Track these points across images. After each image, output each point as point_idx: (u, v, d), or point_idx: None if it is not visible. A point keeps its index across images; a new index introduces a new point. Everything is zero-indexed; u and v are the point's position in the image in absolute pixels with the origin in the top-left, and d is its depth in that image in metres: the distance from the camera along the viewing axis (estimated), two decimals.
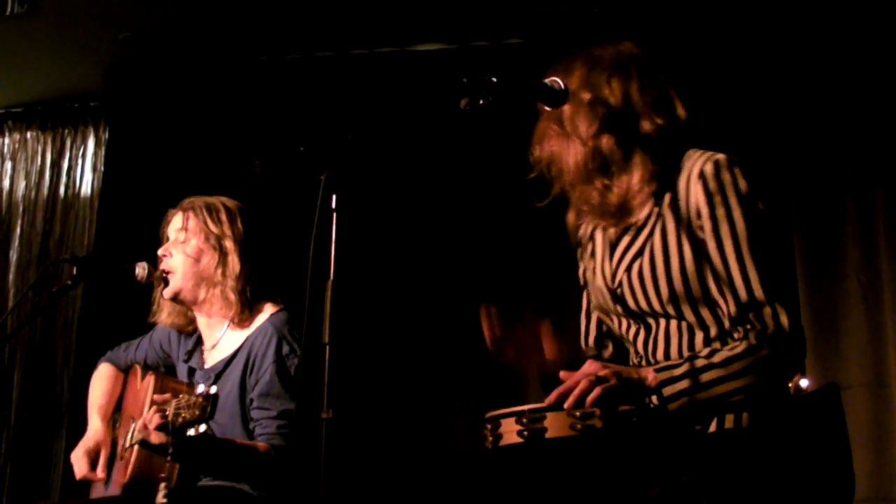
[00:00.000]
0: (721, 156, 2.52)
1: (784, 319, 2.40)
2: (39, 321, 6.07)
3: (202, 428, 3.11)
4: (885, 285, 4.71)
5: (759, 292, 2.41)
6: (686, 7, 5.04)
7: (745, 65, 5.03)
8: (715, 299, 2.49)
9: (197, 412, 3.12)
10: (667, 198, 2.58)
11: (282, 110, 5.64)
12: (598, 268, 2.75)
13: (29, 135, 6.62)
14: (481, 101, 2.47)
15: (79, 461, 3.83)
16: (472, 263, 5.32)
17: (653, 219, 2.61)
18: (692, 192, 2.51)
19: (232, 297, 3.69)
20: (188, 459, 3.33)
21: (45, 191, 6.48)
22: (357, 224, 2.82)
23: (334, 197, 2.61)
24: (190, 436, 3.14)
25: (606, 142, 2.61)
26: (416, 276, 5.35)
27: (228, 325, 3.78)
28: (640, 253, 2.60)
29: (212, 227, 3.74)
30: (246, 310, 3.72)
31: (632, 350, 2.69)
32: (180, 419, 3.16)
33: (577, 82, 2.64)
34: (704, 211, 2.49)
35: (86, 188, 6.42)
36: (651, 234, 2.59)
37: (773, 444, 2.37)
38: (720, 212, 2.47)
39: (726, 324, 2.48)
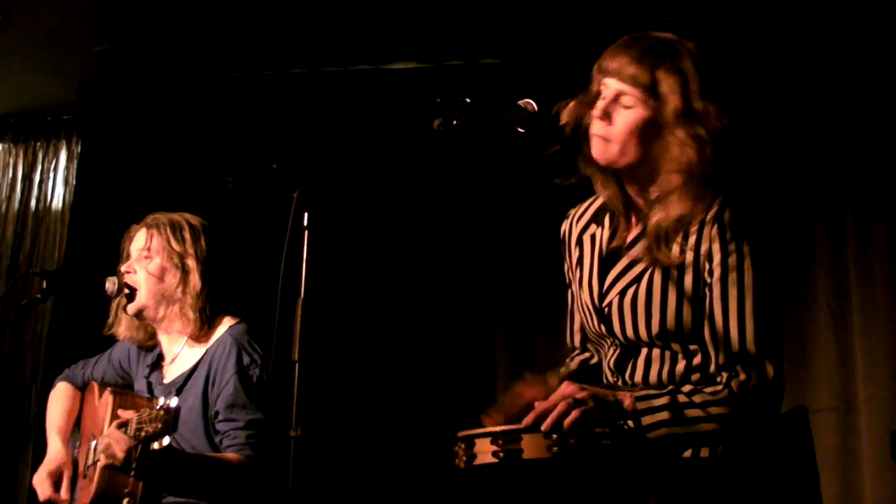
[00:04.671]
0: (741, 201, 2.49)
1: (770, 374, 2.37)
2: (8, 335, 6.03)
3: (165, 441, 3.07)
4: (854, 310, 4.72)
5: (751, 346, 2.37)
6: (657, 30, 5.06)
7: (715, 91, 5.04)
8: (704, 340, 2.45)
9: (159, 425, 3.07)
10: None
11: (255, 127, 5.63)
12: (585, 282, 2.67)
13: (0, 147, 6.59)
14: (455, 122, 2.47)
15: (42, 483, 3.81)
16: (444, 280, 5.34)
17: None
18: (705, 234, 2.46)
19: (191, 314, 3.70)
20: (152, 474, 3.30)
21: (17, 204, 6.46)
22: (329, 242, 2.82)
23: (306, 215, 2.61)
24: (154, 450, 3.12)
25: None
26: (388, 293, 5.36)
27: (187, 341, 3.77)
28: (637, 279, 2.53)
29: (175, 245, 3.74)
30: (205, 326, 3.73)
31: (607, 369, 2.64)
32: (143, 433, 3.13)
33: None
34: (717, 258, 2.43)
35: (57, 202, 6.40)
36: (653, 263, 2.51)
37: (741, 467, 2.37)
38: (731, 260, 2.42)
39: (711, 367, 2.43)
